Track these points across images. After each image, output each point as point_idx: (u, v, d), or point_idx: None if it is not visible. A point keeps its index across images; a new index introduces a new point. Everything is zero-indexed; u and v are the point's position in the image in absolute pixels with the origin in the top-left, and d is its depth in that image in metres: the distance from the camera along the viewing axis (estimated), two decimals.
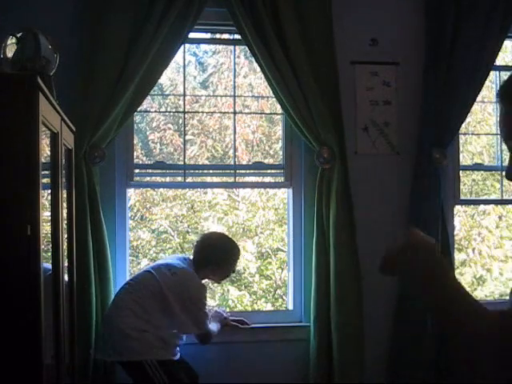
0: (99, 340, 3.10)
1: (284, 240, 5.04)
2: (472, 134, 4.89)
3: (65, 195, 2.40)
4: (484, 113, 5.03)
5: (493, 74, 3.81)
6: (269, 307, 5.15)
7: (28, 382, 1.64)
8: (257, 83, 4.77)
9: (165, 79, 4.68)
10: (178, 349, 3.11)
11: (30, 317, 1.64)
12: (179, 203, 5.28)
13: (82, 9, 3.20)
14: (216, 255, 3.16)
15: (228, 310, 4.05)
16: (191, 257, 3.23)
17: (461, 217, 5.14)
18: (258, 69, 3.44)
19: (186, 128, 3.93)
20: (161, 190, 4.98)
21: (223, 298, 5.07)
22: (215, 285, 4.35)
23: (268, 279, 5.30)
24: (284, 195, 4.71)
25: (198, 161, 4.83)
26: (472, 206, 5.04)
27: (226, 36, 3.73)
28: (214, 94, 5.10)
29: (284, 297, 4.97)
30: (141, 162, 4.13)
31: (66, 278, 2.40)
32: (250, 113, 4.84)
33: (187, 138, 4.36)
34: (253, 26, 3.27)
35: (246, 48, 3.42)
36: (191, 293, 3.04)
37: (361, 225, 3.40)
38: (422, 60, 3.55)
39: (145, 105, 3.77)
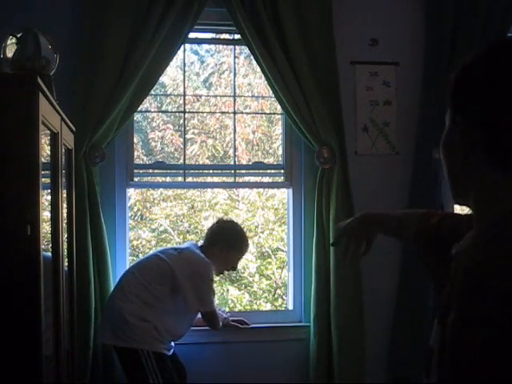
0: (100, 323, 3.12)
1: (283, 240, 5.04)
2: None
3: (65, 195, 2.40)
4: None
5: None
6: (268, 307, 5.15)
7: (28, 374, 1.65)
8: (256, 83, 4.77)
9: (166, 78, 4.69)
10: (172, 344, 3.12)
11: (30, 316, 1.64)
12: (179, 203, 5.28)
13: (82, 9, 3.20)
14: (228, 233, 3.28)
15: (227, 309, 4.05)
16: (198, 244, 3.32)
17: None
18: (258, 69, 3.44)
19: (186, 128, 3.93)
20: (161, 189, 4.99)
21: (223, 298, 5.08)
22: (215, 285, 4.35)
23: (268, 279, 5.30)
24: (283, 195, 4.71)
25: (198, 160, 4.83)
26: None
27: (225, 36, 3.73)
28: (214, 93, 5.10)
29: (284, 297, 4.97)
30: (141, 162, 4.14)
31: (65, 277, 2.40)
32: (250, 113, 4.85)
33: (187, 137, 4.35)
34: (253, 26, 3.27)
35: (246, 48, 3.42)
36: (198, 267, 3.09)
37: None
38: (422, 60, 3.55)
39: (145, 104, 3.77)
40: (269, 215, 5.25)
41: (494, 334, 0.85)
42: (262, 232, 5.27)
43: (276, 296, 5.22)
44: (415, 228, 1.51)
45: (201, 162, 4.80)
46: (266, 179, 3.93)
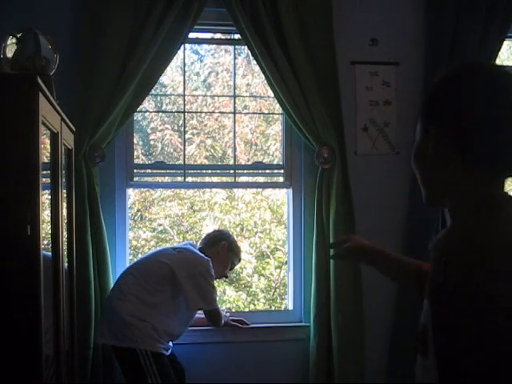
0: (98, 323, 3.12)
1: (281, 239, 5.04)
2: None
3: (65, 195, 2.40)
4: None
5: None
6: (266, 307, 5.15)
7: (28, 374, 1.65)
8: (254, 83, 4.78)
9: (165, 78, 4.68)
10: (170, 344, 3.12)
11: (30, 316, 1.64)
12: (178, 202, 5.28)
13: (82, 9, 3.19)
14: (226, 235, 3.36)
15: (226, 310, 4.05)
16: (195, 244, 3.33)
17: None
18: (256, 68, 3.44)
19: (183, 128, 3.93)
20: (160, 189, 4.99)
21: (220, 298, 5.08)
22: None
23: (267, 279, 5.30)
24: (280, 195, 4.71)
25: (196, 160, 4.83)
26: None
27: (225, 36, 3.73)
28: (213, 93, 5.10)
29: (282, 296, 4.97)
30: (141, 162, 4.14)
31: (65, 277, 2.40)
32: (251, 113, 4.85)
33: (185, 137, 4.35)
34: (253, 26, 3.26)
35: (244, 48, 3.42)
36: (199, 265, 3.09)
37: (361, 225, 3.40)
38: (422, 60, 3.55)
39: (144, 104, 3.76)
40: (267, 215, 5.25)
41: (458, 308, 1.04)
42: (262, 232, 5.27)
43: (275, 296, 5.22)
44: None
45: (199, 162, 4.80)
46: (266, 179, 3.92)
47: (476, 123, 1.16)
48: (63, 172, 2.32)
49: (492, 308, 1.02)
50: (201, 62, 5.00)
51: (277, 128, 4.80)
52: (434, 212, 3.48)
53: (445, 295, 1.08)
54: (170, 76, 4.78)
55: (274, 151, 4.90)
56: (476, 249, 1.08)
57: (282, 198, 4.90)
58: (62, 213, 2.24)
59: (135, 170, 3.49)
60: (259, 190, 5.04)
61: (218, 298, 3.25)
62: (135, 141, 3.70)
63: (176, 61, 3.78)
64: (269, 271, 5.27)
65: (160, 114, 4.93)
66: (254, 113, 4.91)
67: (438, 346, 1.12)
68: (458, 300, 1.05)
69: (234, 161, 3.89)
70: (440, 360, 1.11)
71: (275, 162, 4.54)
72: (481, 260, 1.05)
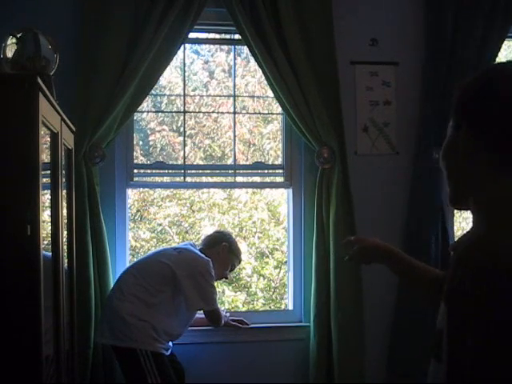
0: (98, 323, 3.12)
1: (280, 239, 5.04)
2: None
3: (65, 195, 2.40)
4: None
5: None
6: (266, 307, 5.14)
7: (28, 374, 1.65)
8: (253, 83, 4.77)
9: (163, 79, 4.68)
10: (170, 344, 3.12)
11: (30, 316, 1.64)
12: (178, 203, 5.28)
13: (82, 9, 3.19)
14: (227, 236, 3.37)
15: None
16: (195, 245, 3.33)
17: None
18: (253, 68, 3.44)
19: (182, 128, 3.93)
20: (159, 189, 4.98)
21: (218, 298, 5.07)
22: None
23: (266, 279, 5.30)
24: (277, 195, 4.70)
25: (193, 161, 4.83)
26: None
27: (225, 36, 3.72)
28: (211, 94, 5.09)
29: (282, 296, 4.97)
30: (140, 162, 4.13)
31: (65, 277, 2.40)
32: (251, 113, 4.84)
33: (181, 138, 4.35)
34: (253, 26, 3.27)
35: (242, 48, 3.42)
36: (199, 266, 3.09)
37: (361, 225, 3.40)
38: (422, 60, 3.55)
39: (143, 104, 3.76)
40: (264, 215, 5.24)
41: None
42: (261, 232, 5.26)
43: (274, 296, 5.22)
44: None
45: (196, 163, 4.80)
46: (265, 179, 3.92)
47: (505, 125, 1.13)
48: (63, 172, 2.32)
49: (506, 311, 0.99)
50: (199, 62, 4.99)
51: (274, 128, 4.80)
52: (434, 212, 3.48)
53: (460, 297, 1.05)
54: (168, 76, 4.78)
55: (269, 150, 4.90)
56: (492, 251, 1.05)
57: (280, 197, 4.90)
58: (62, 213, 2.24)
59: (135, 170, 3.49)
60: (257, 190, 5.03)
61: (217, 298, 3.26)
62: (135, 141, 3.70)
63: (175, 61, 3.78)
64: (268, 271, 5.27)
65: (159, 114, 4.93)
66: (253, 113, 4.91)
67: (448, 350, 1.09)
68: (472, 302, 1.02)
69: (234, 161, 3.89)
70: (449, 364, 1.08)
71: (271, 162, 4.55)
72: (496, 262, 1.02)
